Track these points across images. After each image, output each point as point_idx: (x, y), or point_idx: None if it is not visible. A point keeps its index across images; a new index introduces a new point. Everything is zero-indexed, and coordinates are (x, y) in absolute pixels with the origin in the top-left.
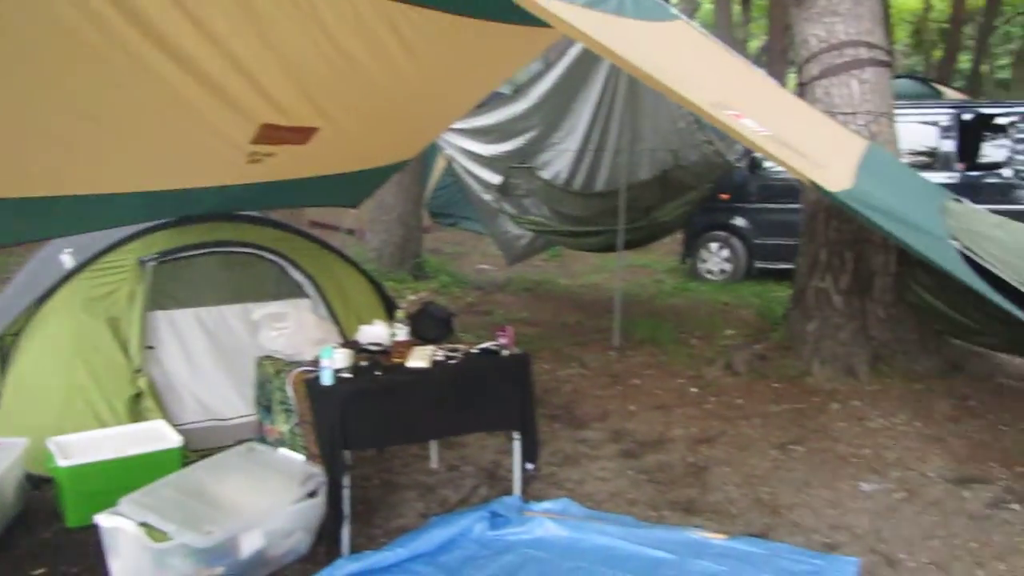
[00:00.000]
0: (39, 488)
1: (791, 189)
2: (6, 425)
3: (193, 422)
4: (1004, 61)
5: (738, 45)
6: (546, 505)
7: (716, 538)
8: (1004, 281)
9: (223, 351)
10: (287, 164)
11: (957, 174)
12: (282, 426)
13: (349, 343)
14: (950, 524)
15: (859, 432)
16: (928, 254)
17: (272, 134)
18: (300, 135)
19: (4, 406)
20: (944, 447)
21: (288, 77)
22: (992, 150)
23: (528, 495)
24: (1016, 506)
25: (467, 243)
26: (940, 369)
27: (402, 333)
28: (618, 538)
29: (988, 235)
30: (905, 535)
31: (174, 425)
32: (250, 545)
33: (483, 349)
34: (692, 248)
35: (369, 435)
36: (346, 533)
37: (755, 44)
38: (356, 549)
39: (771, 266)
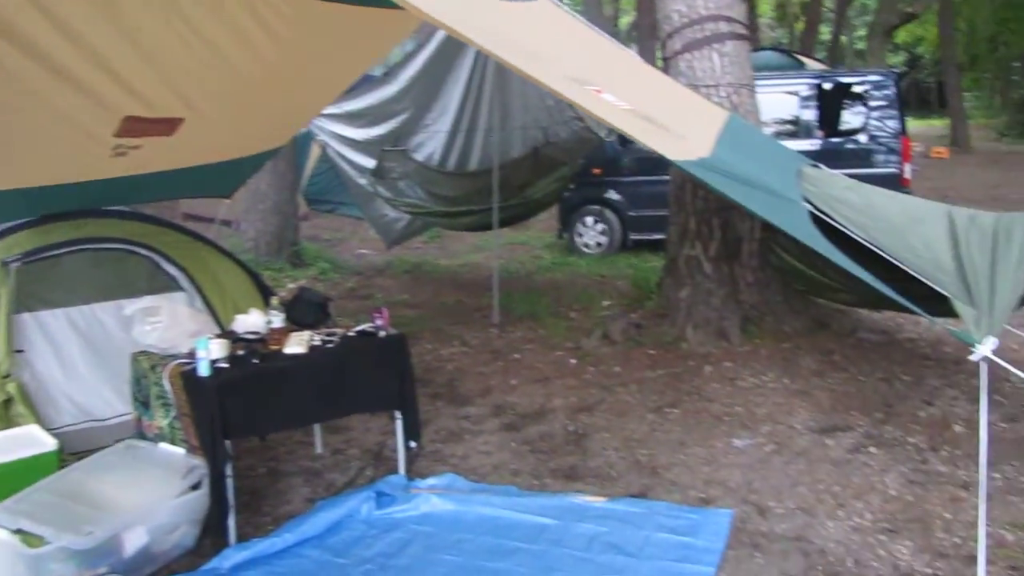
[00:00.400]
0: None
1: (662, 161)
2: None
3: (69, 425)
4: (862, 32)
5: (608, 22)
6: (431, 481)
7: (597, 501)
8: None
9: (97, 350)
10: (154, 156)
11: (818, 141)
12: (161, 421)
13: (225, 333)
14: (815, 471)
15: (731, 391)
16: (775, 219)
17: (136, 126)
18: (165, 126)
19: None
20: (810, 400)
21: (149, 67)
22: (851, 117)
23: (413, 473)
24: (874, 449)
25: (345, 229)
26: (806, 328)
27: (278, 320)
28: (502, 508)
29: (841, 197)
30: (774, 485)
31: (49, 429)
32: (133, 543)
33: (360, 331)
34: (568, 223)
35: (249, 424)
36: (232, 523)
37: (625, 20)
38: (244, 539)
39: (646, 237)
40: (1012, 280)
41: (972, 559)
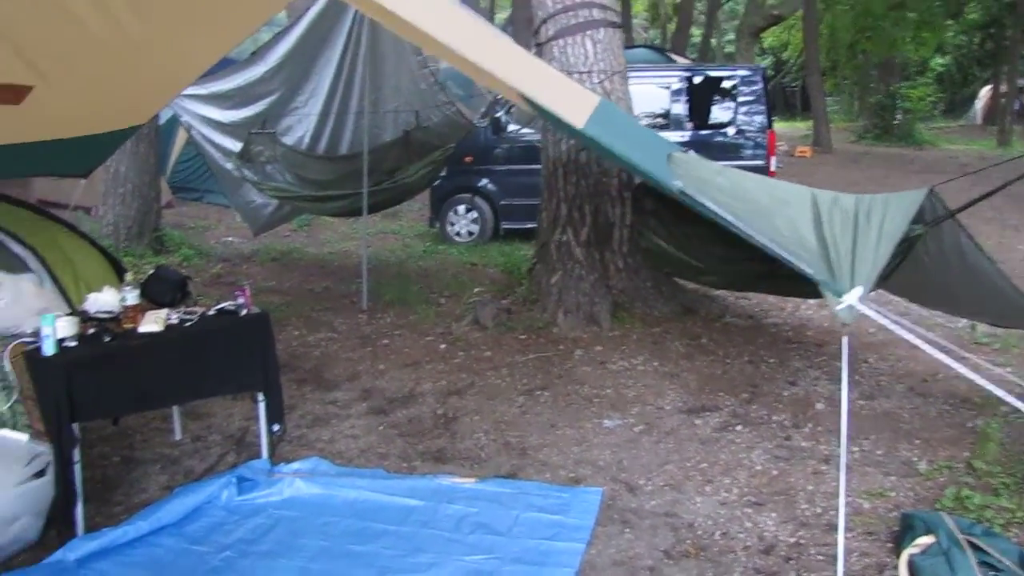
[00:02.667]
0: None
1: (534, 150)
2: None
3: None
4: (731, 36)
5: (484, 14)
6: (295, 465)
7: (466, 482)
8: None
9: None
10: (1, 126)
11: (688, 133)
12: (0, 406)
13: (76, 312)
14: (683, 449)
15: (601, 375)
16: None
17: None
18: (11, 94)
19: None
20: (679, 382)
21: None
22: (720, 111)
23: (277, 458)
24: (740, 427)
25: (212, 217)
26: (675, 313)
27: (132, 298)
28: (369, 491)
29: (710, 181)
30: (643, 463)
31: None
32: None
33: (220, 310)
34: (440, 212)
35: (99, 405)
36: (80, 512)
37: (501, 17)
38: (94, 529)
39: (517, 226)
40: (872, 258)
41: (832, 527)
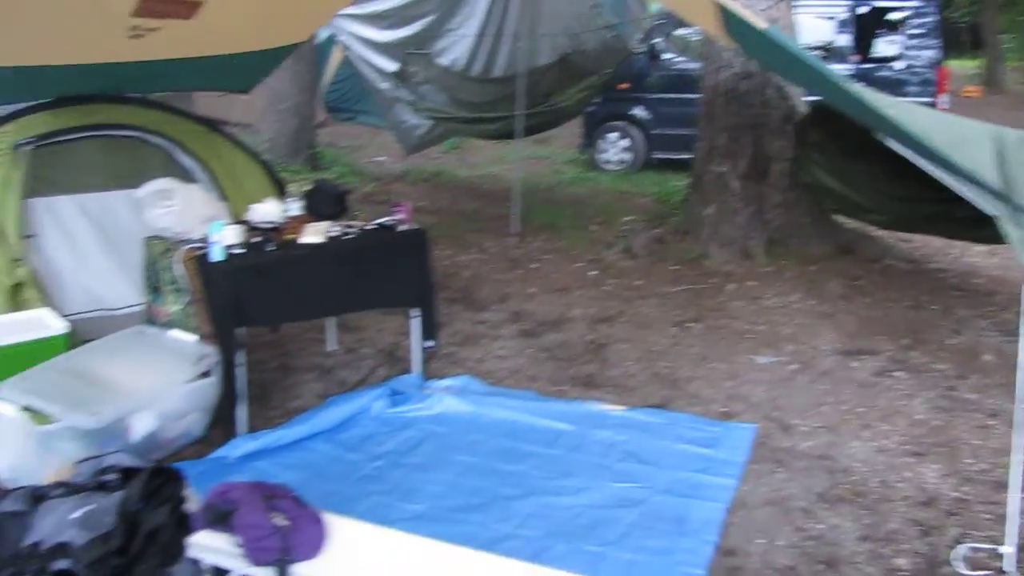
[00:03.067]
0: None
1: (690, 79)
2: None
3: (80, 312)
4: None
5: None
6: (447, 382)
7: (615, 410)
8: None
9: (110, 239)
10: (172, 41)
11: (852, 66)
12: (172, 307)
13: (240, 221)
14: (839, 392)
15: (755, 310)
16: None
17: (154, 7)
18: (185, 9)
19: None
20: (835, 323)
21: None
22: (887, 43)
23: (428, 373)
24: (899, 373)
25: (364, 137)
26: (832, 252)
27: (295, 209)
28: (519, 412)
29: (884, 114)
30: (798, 403)
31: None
32: (142, 427)
33: (379, 224)
34: (591, 138)
35: (262, 311)
36: (242, 413)
37: None
38: (253, 431)
39: (670, 156)
40: None
41: (1000, 485)
